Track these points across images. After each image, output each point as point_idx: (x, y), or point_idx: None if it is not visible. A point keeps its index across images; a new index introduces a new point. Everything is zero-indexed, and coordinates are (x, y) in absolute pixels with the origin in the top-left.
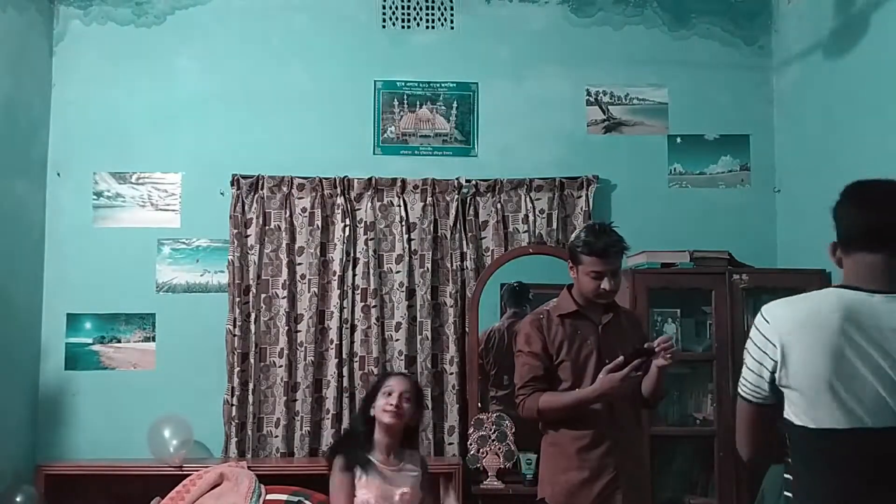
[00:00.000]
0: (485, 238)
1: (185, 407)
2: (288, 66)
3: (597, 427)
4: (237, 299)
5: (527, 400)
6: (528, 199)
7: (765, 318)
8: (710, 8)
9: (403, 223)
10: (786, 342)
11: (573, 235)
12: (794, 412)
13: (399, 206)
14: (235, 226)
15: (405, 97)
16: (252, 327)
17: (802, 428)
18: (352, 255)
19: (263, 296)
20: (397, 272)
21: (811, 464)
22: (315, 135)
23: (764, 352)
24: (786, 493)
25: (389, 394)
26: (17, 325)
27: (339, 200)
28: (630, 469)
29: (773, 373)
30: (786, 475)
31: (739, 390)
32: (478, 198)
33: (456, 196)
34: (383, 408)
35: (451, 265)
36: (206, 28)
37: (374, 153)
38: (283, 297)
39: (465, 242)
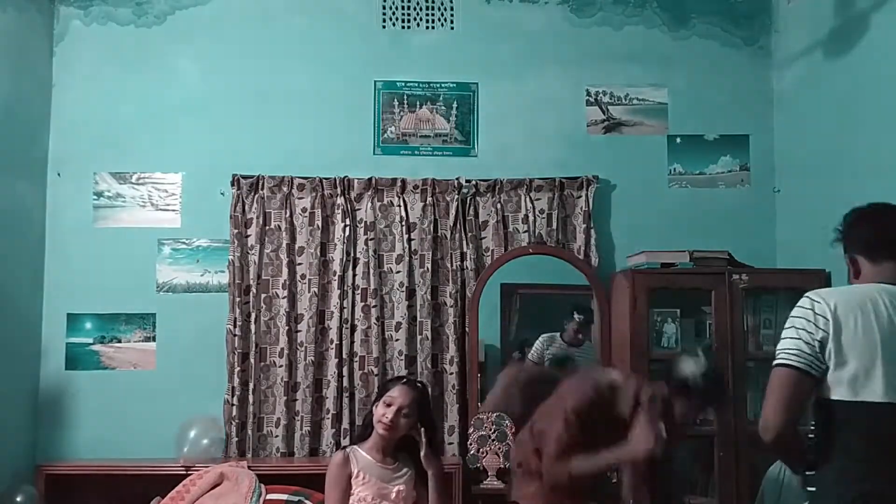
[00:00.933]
0: (485, 238)
1: (185, 407)
2: (288, 67)
3: None
4: (237, 299)
5: (556, 466)
6: (528, 199)
7: (813, 299)
8: (710, 8)
9: (403, 223)
10: (839, 318)
11: (686, 366)
12: (835, 387)
13: (399, 206)
14: (236, 226)
15: (405, 97)
16: (252, 327)
17: (843, 403)
18: (352, 255)
19: (263, 296)
20: (397, 272)
21: (846, 439)
22: (315, 135)
23: (816, 325)
24: (808, 488)
25: (389, 405)
26: (17, 325)
27: (339, 200)
28: None
29: (823, 344)
30: (808, 488)
31: (785, 360)
32: (478, 198)
33: (456, 196)
34: (379, 418)
35: (451, 265)
36: (206, 28)
37: (374, 153)
38: (284, 297)
39: (465, 242)
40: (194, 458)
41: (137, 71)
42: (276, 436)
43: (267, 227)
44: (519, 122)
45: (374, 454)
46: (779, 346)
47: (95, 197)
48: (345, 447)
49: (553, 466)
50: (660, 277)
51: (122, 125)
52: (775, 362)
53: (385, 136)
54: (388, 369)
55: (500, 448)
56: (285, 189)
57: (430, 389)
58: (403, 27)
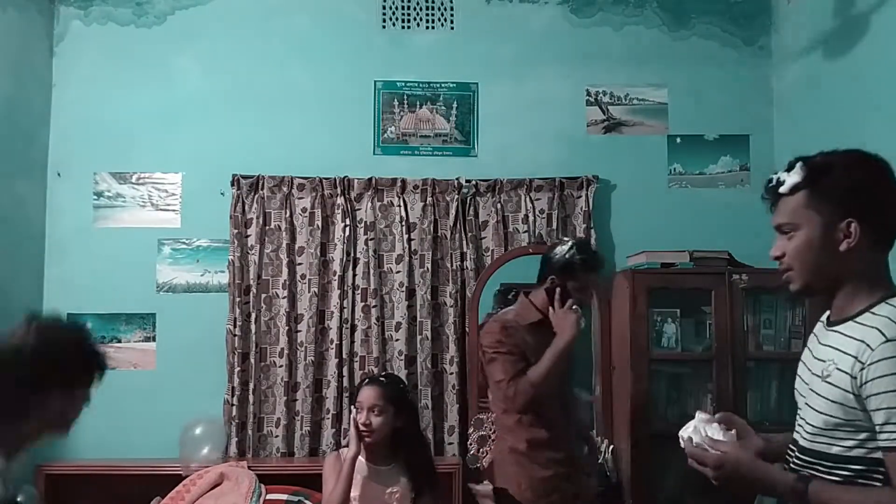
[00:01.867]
0: (485, 238)
1: (185, 407)
2: (288, 66)
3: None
4: (237, 299)
5: (518, 384)
6: (527, 199)
7: None
8: (709, 8)
9: (403, 223)
10: None
11: (559, 251)
12: None
13: (399, 206)
14: (236, 226)
15: (405, 97)
16: (252, 327)
17: None
18: (352, 255)
19: (263, 296)
20: (397, 272)
21: None
22: (315, 135)
23: None
24: None
25: (360, 410)
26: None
27: (339, 200)
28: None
29: None
30: None
31: None
32: (478, 198)
33: (456, 196)
34: (358, 426)
35: (451, 265)
36: (206, 28)
37: (374, 153)
38: (284, 297)
39: (465, 242)
40: (191, 462)
41: (137, 71)
42: (276, 436)
43: (267, 227)
44: (519, 122)
45: (365, 455)
46: None
47: (95, 197)
48: (336, 449)
49: (515, 388)
50: (660, 277)
51: (122, 125)
52: None
53: (385, 136)
54: (389, 369)
55: None
56: (285, 189)
57: (429, 389)
58: (403, 27)
